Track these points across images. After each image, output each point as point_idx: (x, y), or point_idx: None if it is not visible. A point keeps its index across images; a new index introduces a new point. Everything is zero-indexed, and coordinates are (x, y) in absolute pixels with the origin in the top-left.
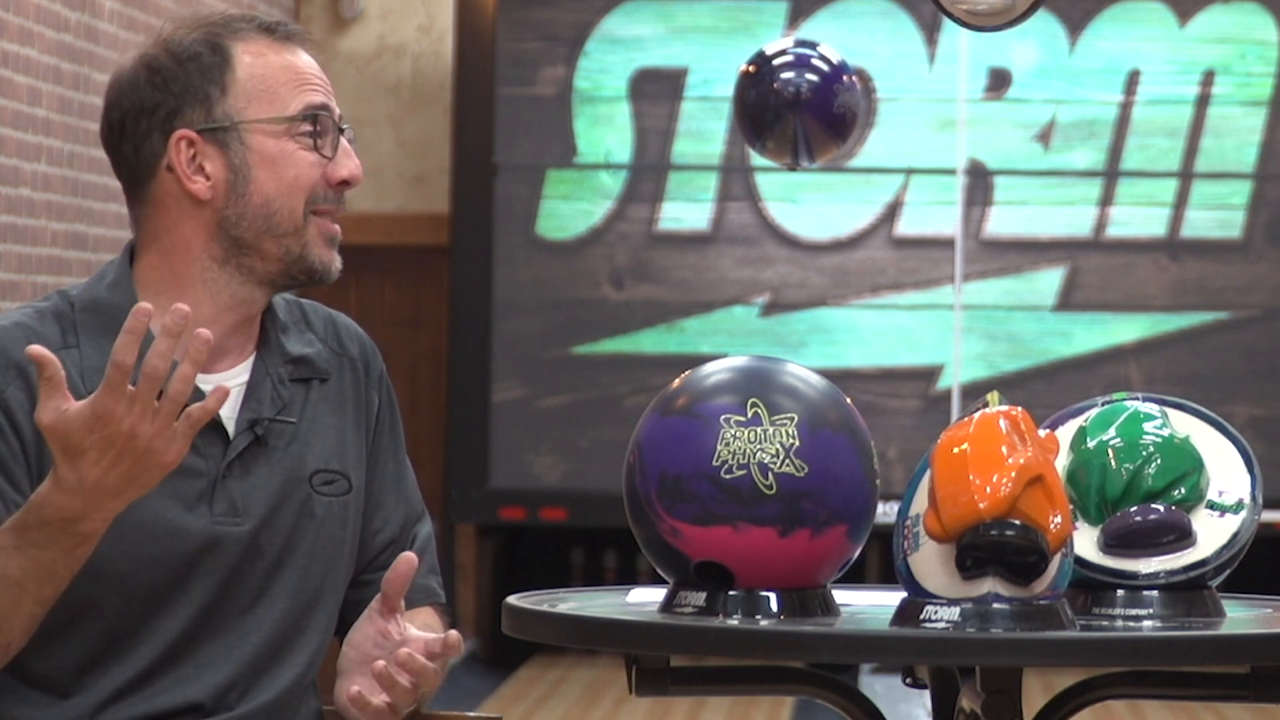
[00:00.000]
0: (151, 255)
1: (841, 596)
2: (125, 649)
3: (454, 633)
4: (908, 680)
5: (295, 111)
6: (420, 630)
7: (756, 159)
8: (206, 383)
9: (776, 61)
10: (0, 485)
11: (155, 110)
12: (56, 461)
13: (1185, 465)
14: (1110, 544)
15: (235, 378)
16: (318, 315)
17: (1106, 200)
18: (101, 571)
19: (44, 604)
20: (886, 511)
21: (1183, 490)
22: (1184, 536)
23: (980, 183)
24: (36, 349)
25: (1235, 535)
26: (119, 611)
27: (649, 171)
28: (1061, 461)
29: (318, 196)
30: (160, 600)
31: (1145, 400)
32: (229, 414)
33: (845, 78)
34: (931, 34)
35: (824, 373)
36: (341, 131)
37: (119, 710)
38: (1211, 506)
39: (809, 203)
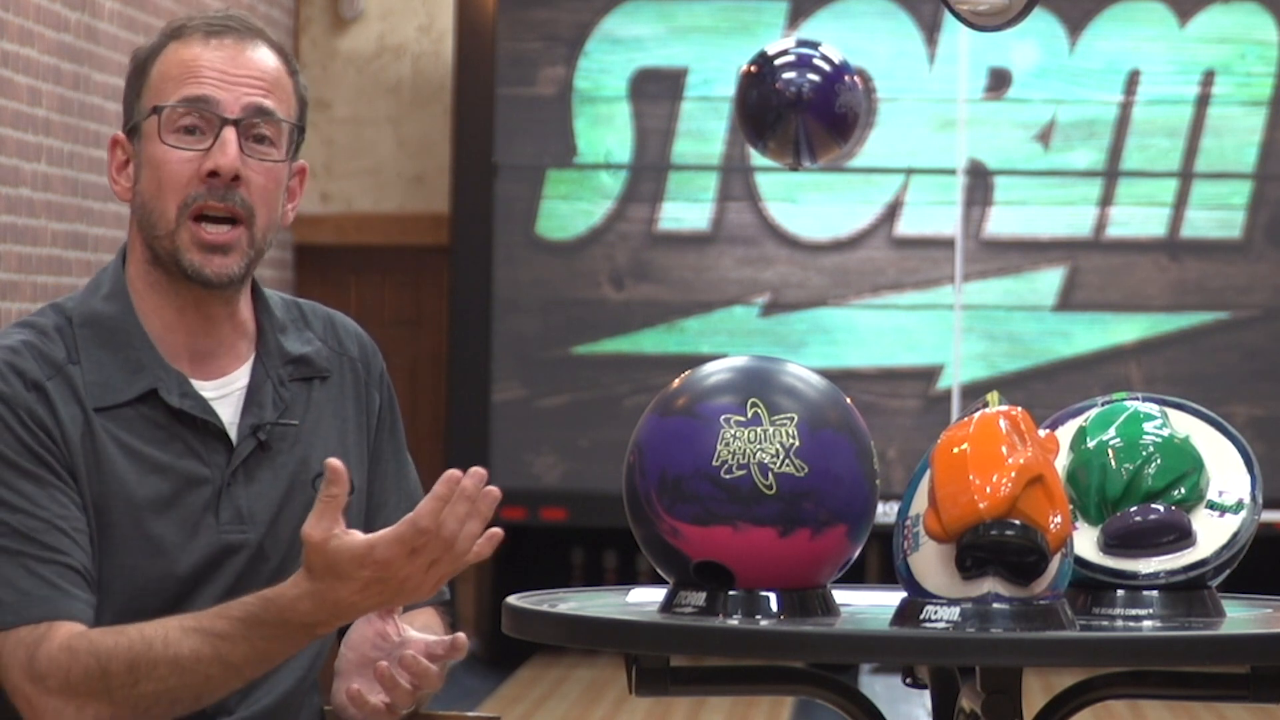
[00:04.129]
0: (129, 258)
1: (841, 596)
2: None
3: (460, 635)
4: (908, 680)
5: (166, 104)
6: (421, 630)
7: (757, 159)
8: (206, 389)
9: (778, 61)
10: (57, 483)
11: (124, 117)
12: (315, 575)
13: (1185, 465)
14: (1110, 544)
15: (235, 382)
16: (316, 315)
17: (1106, 200)
18: (111, 585)
19: (247, 682)
20: (886, 511)
21: (1183, 490)
22: (1184, 536)
23: (980, 183)
24: (336, 464)
25: (1235, 535)
26: (128, 622)
27: (649, 171)
28: (1061, 461)
29: (190, 197)
30: (168, 611)
31: (1145, 400)
32: (230, 419)
33: (846, 78)
34: (931, 34)
35: (824, 373)
36: (233, 123)
37: None
38: (1211, 506)
39: (809, 203)
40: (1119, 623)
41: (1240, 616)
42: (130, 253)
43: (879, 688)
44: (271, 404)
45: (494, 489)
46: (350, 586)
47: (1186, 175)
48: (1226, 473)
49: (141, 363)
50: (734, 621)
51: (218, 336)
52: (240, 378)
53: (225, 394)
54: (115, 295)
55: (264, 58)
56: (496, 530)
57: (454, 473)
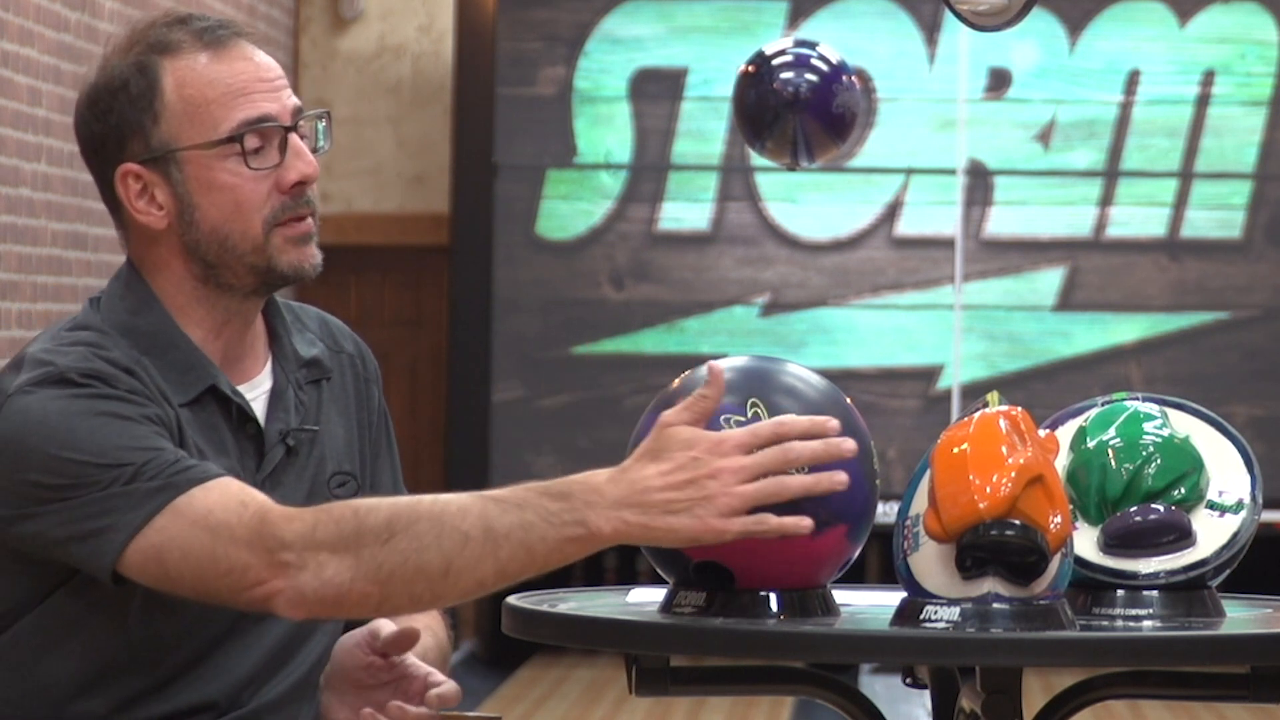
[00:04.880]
0: (149, 275)
1: (841, 596)
2: (150, 655)
3: (453, 685)
4: (908, 680)
5: (225, 132)
6: (423, 629)
7: (756, 159)
8: (244, 393)
9: (776, 61)
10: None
11: (103, 144)
12: (635, 455)
13: (1185, 465)
14: (1110, 544)
15: (260, 385)
16: (309, 315)
17: (1106, 200)
18: (149, 594)
19: (501, 580)
20: (886, 511)
21: (1183, 490)
22: (1184, 536)
23: (980, 183)
24: (717, 368)
25: (1235, 535)
26: (147, 625)
27: (649, 171)
28: (1061, 461)
29: (275, 211)
30: (193, 613)
31: (1145, 400)
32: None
33: (845, 77)
34: (931, 34)
35: (824, 373)
36: (292, 129)
37: (136, 710)
38: (1211, 506)
39: (809, 203)
40: (1119, 623)
41: (1240, 616)
42: (157, 272)
43: (879, 688)
44: (294, 409)
45: (842, 477)
46: (660, 466)
47: (1186, 175)
48: (1226, 473)
49: (190, 363)
50: (734, 621)
51: (247, 341)
52: (264, 381)
53: (254, 397)
54: (147, 306)
55: (267, 55)
56: (806, 520)
57: (835, 422)
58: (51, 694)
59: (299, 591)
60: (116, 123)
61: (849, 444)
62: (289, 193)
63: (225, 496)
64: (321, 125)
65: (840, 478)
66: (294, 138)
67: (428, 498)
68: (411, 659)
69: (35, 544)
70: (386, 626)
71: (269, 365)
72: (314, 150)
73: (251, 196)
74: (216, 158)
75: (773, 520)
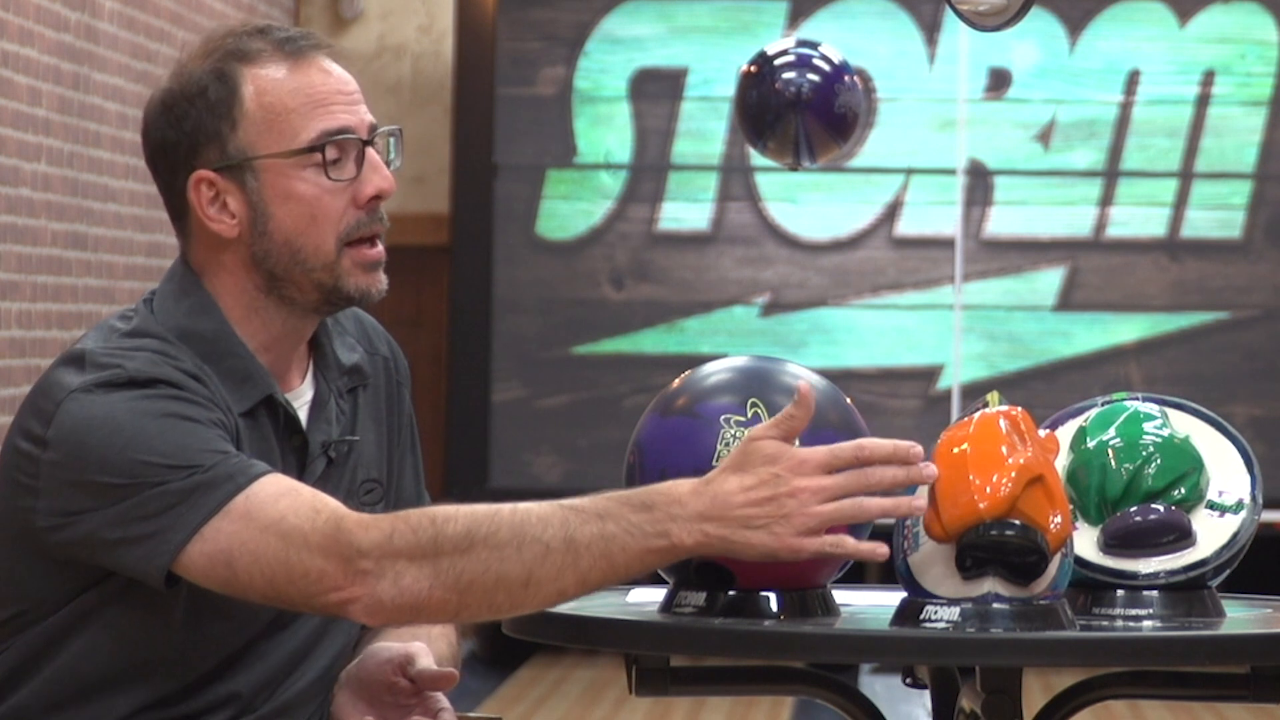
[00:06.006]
0: (208, 282)
1: (841, 596)
2: (185, 659)
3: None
4: (908, 680)
5: (305, 142)
6: (437, 635)
7: (757, 159)
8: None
9: (778, 61)
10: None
11: (175, 149)
12: (719, 468)
13: (1185, 465)
14: (1110, 544)
15: (303, 395)
16: (346, 315)
17: (1106, 200)
18: (216, 601)
19: (581, 590)
20: None
21: (1183, 490)
22: (1184, 536)
23: (980, 183)
24: (807, 390)
25: (1235, 535)
26: (191, 630)
27: (649, 171)
28: (1061, 461)
29: (350, 227)
30: (239, 619)
31: (1145, 400)
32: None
33: (846, 78)
34: (931, 34)
35: (824, 373)
36: (369, 143)
37: (157, 711)
38: (1211, 506)
39: (809, 203)
40: (1119, 623)
41: (1240, 616)
42: (218, 280)
43: (879, 688)
44: (336, 420)
45: (920, 502)
46: (742, 480)
47: (1186, 175)
48: (1226, 473)
49: (248, 371)
50: (734, 621)
51: (294, 354)
52: (306, 391)
53: (298, 407)
54: (205, 311)
55: (344, 70)
56: (883, 547)
57: (919, 449)
58: (74, 687)
59: (376, 599)
60: (192, 129)
61: (930, 469)
62: (364, 207)
63: (298, 502)
64: (393, 142)
65: (919, 503)
66: (371, 151)
67: (507, 507)
68: (442, 700)
69: (83, 548)
70: (424, 658)
71: (310, 374)
72: (386, 165)
73: (329, 209)
74: (295, 167)
75: (849, 543)
